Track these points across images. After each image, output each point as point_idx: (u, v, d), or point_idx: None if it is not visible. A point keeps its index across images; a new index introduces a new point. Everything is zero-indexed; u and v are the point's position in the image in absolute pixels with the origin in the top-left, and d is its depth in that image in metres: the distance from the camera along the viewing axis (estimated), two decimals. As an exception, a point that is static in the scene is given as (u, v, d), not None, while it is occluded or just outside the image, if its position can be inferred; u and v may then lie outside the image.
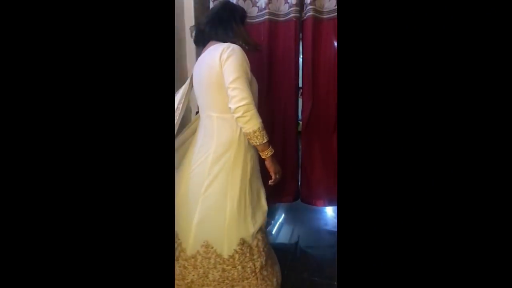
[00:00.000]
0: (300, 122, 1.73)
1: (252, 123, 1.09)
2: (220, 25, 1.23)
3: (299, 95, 1.74)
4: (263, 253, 1.29)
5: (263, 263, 1.29)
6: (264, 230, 1.37)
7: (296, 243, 1.91)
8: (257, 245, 1.28)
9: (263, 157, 1.18)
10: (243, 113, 1.08)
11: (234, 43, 1.17)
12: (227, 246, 1.20)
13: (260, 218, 1.29)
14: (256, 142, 1.12)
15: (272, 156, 1.17)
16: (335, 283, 1.46)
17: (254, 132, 1.10)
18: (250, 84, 1.13)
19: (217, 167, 1.18)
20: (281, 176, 1.22)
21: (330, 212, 2.38)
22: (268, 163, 1.19)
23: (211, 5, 1.68)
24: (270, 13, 1.60)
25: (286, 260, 1.57)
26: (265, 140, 1.12)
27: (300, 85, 1.73)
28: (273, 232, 2.11)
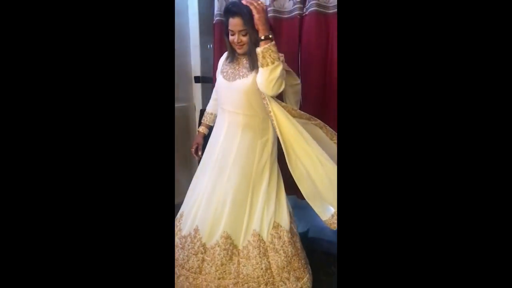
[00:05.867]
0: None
1: None
2: None
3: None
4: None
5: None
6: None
7: (306, 232, 1.91)
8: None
9: None
10: None
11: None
12: (288, 222, 1.35)
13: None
14: None
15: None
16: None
17: None
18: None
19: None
20: None
21: (335, 210, 2.36)
22: None
23: (216, 2, 1.68)
24: (275, 10, 1.60)
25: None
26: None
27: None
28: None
